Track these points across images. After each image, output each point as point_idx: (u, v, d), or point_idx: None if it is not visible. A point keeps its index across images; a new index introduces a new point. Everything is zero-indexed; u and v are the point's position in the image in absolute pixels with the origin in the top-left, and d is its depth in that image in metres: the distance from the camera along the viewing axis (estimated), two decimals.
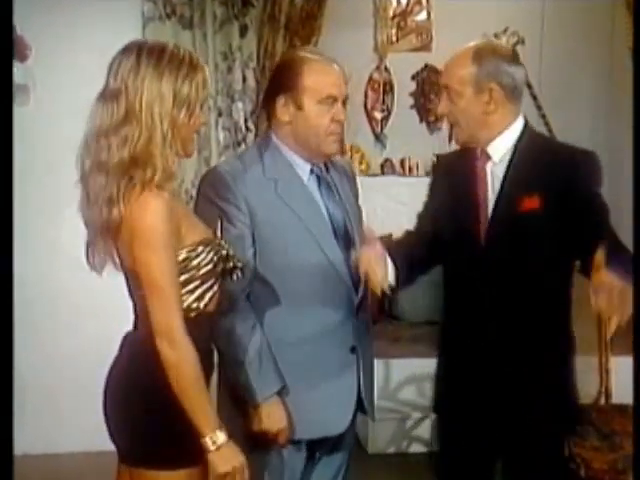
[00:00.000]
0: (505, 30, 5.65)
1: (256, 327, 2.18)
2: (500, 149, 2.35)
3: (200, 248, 1.92)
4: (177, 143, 1.90)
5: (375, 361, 4.24)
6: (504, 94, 2.30)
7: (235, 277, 2.01)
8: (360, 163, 5.52)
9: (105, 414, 1.99)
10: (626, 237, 2.16)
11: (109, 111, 1.86)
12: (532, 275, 2.32)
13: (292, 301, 2.20)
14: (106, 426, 1.99)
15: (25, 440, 3.91)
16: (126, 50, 1.90)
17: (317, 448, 2.36)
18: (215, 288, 1.96)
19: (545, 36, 5.63)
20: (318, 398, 2.23)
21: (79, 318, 3.89)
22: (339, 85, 2.21)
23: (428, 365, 4.32)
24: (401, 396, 4.31)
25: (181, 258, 1.88)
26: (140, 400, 1.90)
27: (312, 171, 2.26)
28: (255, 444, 2.19)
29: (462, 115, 2.32)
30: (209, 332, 2.01)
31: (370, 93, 5.69)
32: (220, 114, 3.92)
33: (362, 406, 2.38)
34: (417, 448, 4.14)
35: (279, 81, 2.21)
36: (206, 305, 1.94)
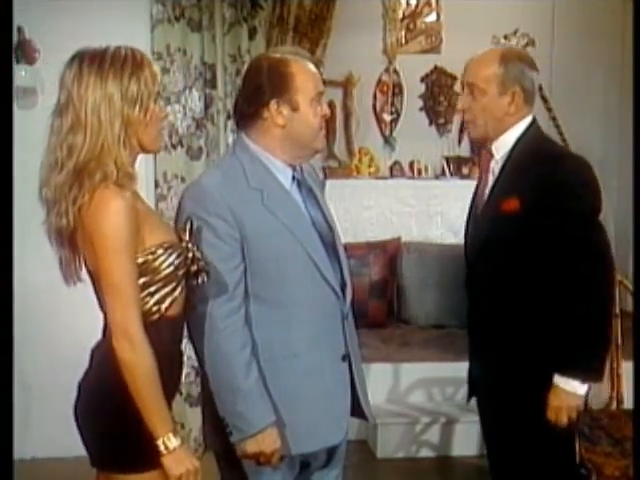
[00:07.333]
0: (515, 32, 5.62)
1: (253, 353, 2.13)
2: (502, 147, 2.41)
3: (160, 251, 1.91)
4: (133, 141, 1.90)
5: (384, 365, 4.28)
6: (524, 97, 2.38)
7: (200, 280, 1.99)
8: (369, 166, 5.49)
9: (76, 420, 2.00)
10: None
11: (58, 126, 1.89)
12: (512, 279, 2.36)
13: (285, 314, 2.16)
14: (78, 432, 2.00)
15: (33, 444, 3.92)
16: (69, 62, 1.92)
17: (312, 461, 2.32)
18: (177, 292, 1.95)
19: (555, 37, 5.61)
20: (314, 410, 2.19)
21: (87, 321, 3.88)
22: (320, 81, 2.23)
23: (437, 369, 4.34)
24: (410, 400, 4.30)
25: (140, 261, 1.88)
26: (107, 405, 1.91)
27: (294, 177, 2.23)
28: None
29: (482, 112, 2.39)
30: (173, 336, 2.00)
31: (379, 95, 5.68)
32: (229, 117, 3.90)
33: (360, 412, 2.34)
34: (426, 453, 4.12)
35: (269, 85, 2.15)
36: (167, 309, 1.94)
